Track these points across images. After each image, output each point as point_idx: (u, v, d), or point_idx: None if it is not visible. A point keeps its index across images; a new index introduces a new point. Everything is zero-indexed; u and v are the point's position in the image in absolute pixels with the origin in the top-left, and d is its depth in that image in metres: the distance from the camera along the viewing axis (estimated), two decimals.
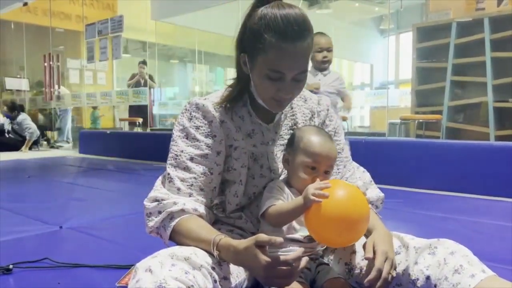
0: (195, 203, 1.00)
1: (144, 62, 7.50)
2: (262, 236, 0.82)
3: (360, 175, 1.19)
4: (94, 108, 8.96)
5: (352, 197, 0.92)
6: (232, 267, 0.94)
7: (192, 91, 12.27)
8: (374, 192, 1.17)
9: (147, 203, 1.01)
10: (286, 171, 1.11)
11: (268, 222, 1.00)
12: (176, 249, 0.88)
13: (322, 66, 2.84)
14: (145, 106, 7.03)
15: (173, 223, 0.97)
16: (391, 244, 0.98)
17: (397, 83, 10.72)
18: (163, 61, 11.87)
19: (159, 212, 0.99)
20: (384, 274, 0.89)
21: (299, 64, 0.94)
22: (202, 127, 1.04)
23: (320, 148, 1.01)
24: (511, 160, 2.76)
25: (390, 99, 5.79)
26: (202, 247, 0.91)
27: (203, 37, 8.71)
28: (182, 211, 0.97)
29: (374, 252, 0.92)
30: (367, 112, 9.89)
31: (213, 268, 0.87)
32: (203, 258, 0.87)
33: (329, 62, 2.84)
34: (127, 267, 1.35)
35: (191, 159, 1.02)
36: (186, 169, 1.02)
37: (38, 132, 7.17)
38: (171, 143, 1.06)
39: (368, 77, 12.62)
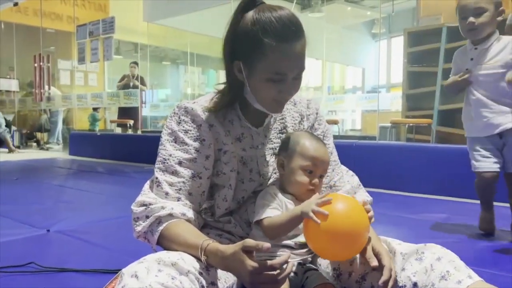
0: (183, 208, 0.99)
1: (135, 63, 7.45)
2: (250, 241, 0.81)
3: (349, 179, 1.19)
4: (95, 109, 8.87)
5: (352, 215, 0.90)
6: (220, 272, 0.93)
7: (184, 93, 12.25)
8: (362, 195, 1.17)
9: (134, 208, 1.00)
10: (274, 175, 1.10)
11: (265, 235, 1.00)
12: (163, 254, 0.87)
13: (472, 37, 1.90)
14: (135, 108, 6.99)
15: (160, 228, 0.95)
16: (387, 240, 0.99)
17: (388, 87, 10.82)
18: (155, 62, 11.84)
19: (147, 217, 0.98)
20: (393, 273, 0.89)
21: (299, 63, 0.96)
22: (190, 131, 1.03)
23: (317, 151, 1.03)
24: None
25: (381, 103, 5.82)
26: (190, 252, 0.90)
27: (195, 39, 8.71)
28: (170, 215, 0.96)
29: (377, 255, 0.92)
30: (358, 115, 9.95)
31: (200, 274, 0.87)
32: (190, 263, 0.86)
33: (479, 28, 1.83)
34: (115, 272, 1.33)
35: (180, 163, 1.02)
36: (175, 173, 1.01)
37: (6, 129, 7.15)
38: (160, 147, 1.05)
39: (360, 80, 12.71)
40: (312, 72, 11.64)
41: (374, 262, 0.91)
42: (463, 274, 0.85)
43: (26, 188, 3.42)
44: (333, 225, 0.88)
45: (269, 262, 0.80)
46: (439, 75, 4.65)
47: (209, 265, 0.89)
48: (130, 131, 7.18)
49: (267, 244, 0.80)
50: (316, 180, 1.03)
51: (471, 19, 1.82)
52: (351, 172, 1.23)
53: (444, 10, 4.85)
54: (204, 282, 0.86)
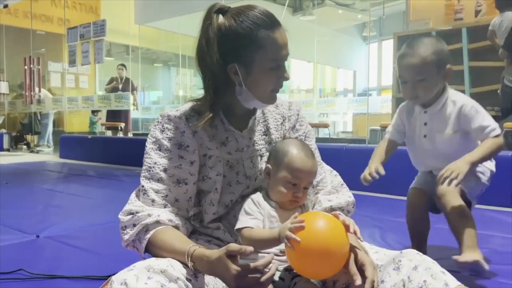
0: (170, 214, 1.00)
1: (123, 65, 7.40)
2: (233, 246, 0.83)
3: (332, 179, 1.20)
4: (93, 112, 8.81)
5: (324, 236, 0.89)
6: (208, 278, 0.94)
7: (176, 95, 12.23)
8: (344, 197, 1.16)
9: (121, 217, 1.01)
10: (260, 176, 1.11)
11: (243, 244, 1.01)
12: (153, 262, 0.87)
13: (417, 104, 1.64)
14: (124, 110, 6.95)
15: (148, 236, 0.96)
16: (365, 249, 0.98)
17: (379, 90, 10.90)
18: (146, 64, 11.81)
19: (134, 225, 0.98)
20: (375, 285, 0.89)
21: (287, 46, 1.04)
22: (174, 138, 1.05)
23: (303, 165, 1.03)
24: None
25: (371, 105, 5.85)
26: (178, 258, 0.91)
27: (186, 41, 8.70)
28: (157, 222, 0.97)
29: (360, 267, 0.90)
30: (350, 117, 10.01)
31: (189, 280, 0.88)
32: (179, 270, 0.87)
33: (422, 97, 1.56)
34: (105, 278, 1.33)
35: (165, 170, 1.03)
36: (160, 180, 1.02)
37: None
38: (145, 156, 1.06)
39: (351, 83, 12.79)
40: (304, 75, 11.69)
41: (358, 281, 0.88)
42: (439, 283, 0.85)
43: (16, 192, 3.40)
44: (304, 248, 0.88)
45: (252, 264, 0.82)
46: None
47: (197, 271, 0.90)
48: (121, 134, 7.15)
49: (250, 248, 0.82)
50: (299, 194, 1.03)
51: (410, 90, 1.54)
52: (334, 172, 1.23)
53: (433, 14, 4.91)
54: None
